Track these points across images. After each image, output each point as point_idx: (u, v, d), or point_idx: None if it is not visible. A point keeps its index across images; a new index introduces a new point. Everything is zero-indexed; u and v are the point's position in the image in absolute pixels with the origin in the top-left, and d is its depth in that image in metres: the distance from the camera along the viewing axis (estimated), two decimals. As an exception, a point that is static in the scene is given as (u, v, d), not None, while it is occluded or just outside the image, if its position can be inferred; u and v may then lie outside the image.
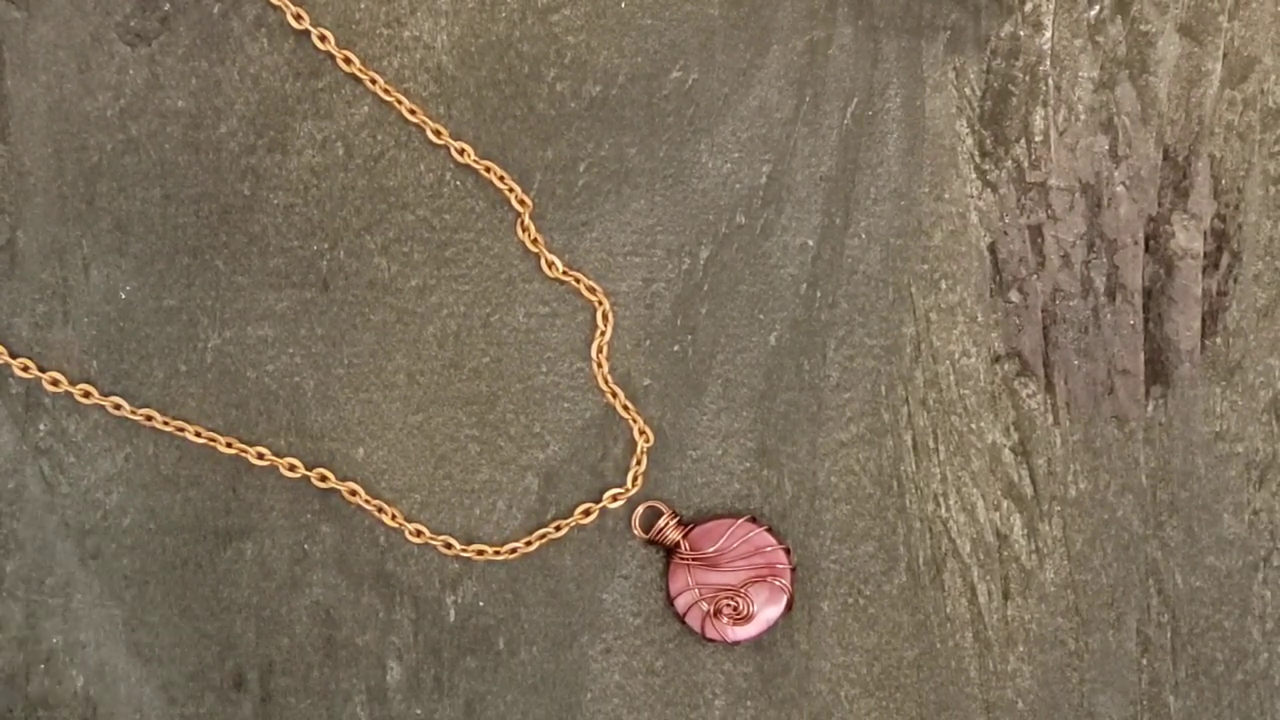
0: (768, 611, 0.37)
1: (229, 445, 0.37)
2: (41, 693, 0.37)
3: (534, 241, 0.37)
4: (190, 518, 0.37)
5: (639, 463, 0.37)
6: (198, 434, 0.37)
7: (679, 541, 0.37)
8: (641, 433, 0.37)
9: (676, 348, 0.38)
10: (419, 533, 0.37)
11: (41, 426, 0.37)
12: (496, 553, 0.37)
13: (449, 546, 0.37)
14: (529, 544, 0.37)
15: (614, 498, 0.37)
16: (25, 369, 0.37)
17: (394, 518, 0.37)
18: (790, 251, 0.38)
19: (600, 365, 0.37)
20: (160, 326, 0.37)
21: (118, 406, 0.37)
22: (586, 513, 0.37)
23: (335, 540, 0.37)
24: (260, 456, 0.37)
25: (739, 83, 0.38)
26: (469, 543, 0.37)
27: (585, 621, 0.37)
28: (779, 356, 0.38)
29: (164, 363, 0.37)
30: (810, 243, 0.38)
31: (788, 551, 0.37)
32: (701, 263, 0.38)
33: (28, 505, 0.37)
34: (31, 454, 0.37)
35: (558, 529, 0.37)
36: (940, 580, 0.37)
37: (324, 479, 0.37)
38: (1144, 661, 0.37)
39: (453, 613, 0.37)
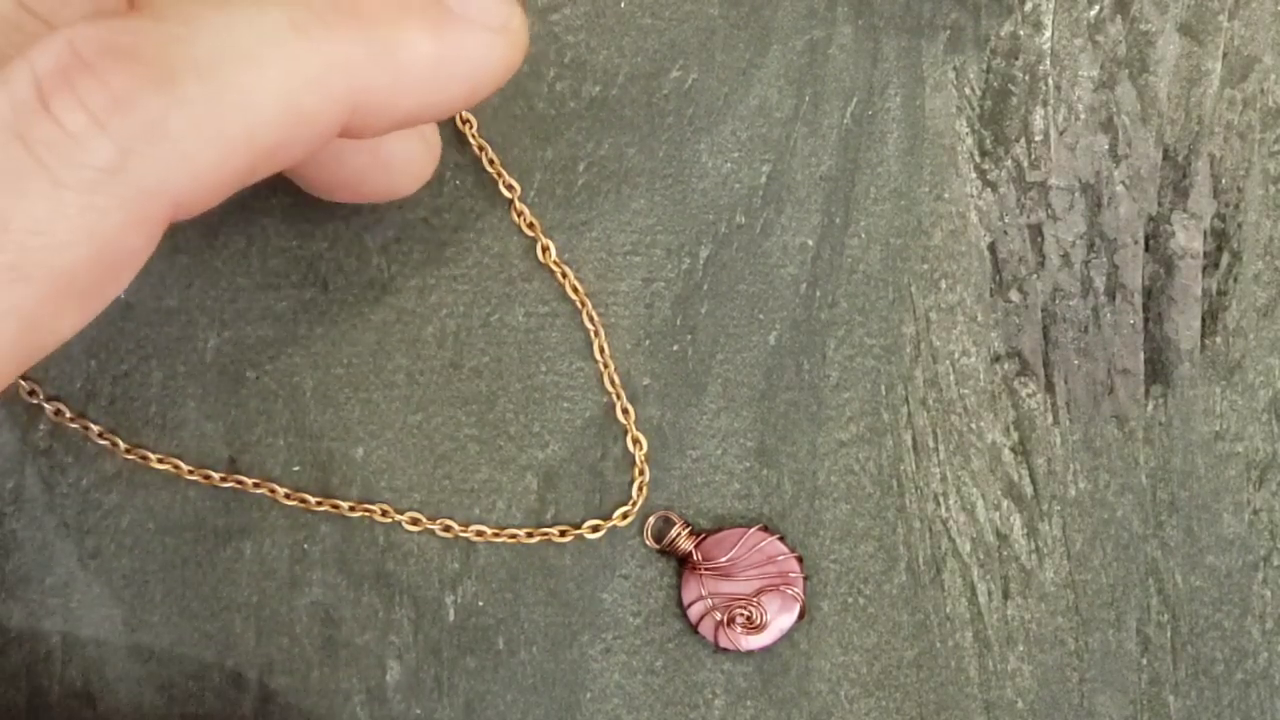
0: (780, 620, 0.37)
1: (223, 480, 0.37)
2: (41, 693, 0.37)
3: (530, 226, 0.37)
4: (189, 517, 0.37)
5: (641, 473, 0.37)
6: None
7: (691, 551, 0.37)
8: (635, 441, 0.37)
9: (676, 347, 0.38)
10: (415, 520, 0.37)
11: (41, 427, 0.37)
12: (495, 534, 0.37)
13: (447, 529, 0.37)
14: (530, 535, 0.37)
15: (623, 515, 0.37)
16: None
17: (384, 513, 0.37)
18: (790, 251, 0.38)
19: (606, 365, 0.37)
20: (160, 327, 0.37)
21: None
22: (595, 528, 0.37)
23: (335, 540, 0.37)
24: (256, 485, 0.37)
25: (739, 82, 0.38)
26: (467, 524, 0.37)
27: (585, 621, 0.37)
28: (779, 356, 0.38)
29: (163, 363, 0.37)
30: (810, 242, 0.38)
31: (800, 560, 0.37)
32: (701, 262, 0.38)
33: (27, 505, 0.37)
34: (31, 454, 0.37)
35: (562, 534, 0.37)
36: (940, 580, 0.37)
37: (303, 501, 0.37)
38: (1144, 661, 0.37)
39: (452, 612, 0.37)
